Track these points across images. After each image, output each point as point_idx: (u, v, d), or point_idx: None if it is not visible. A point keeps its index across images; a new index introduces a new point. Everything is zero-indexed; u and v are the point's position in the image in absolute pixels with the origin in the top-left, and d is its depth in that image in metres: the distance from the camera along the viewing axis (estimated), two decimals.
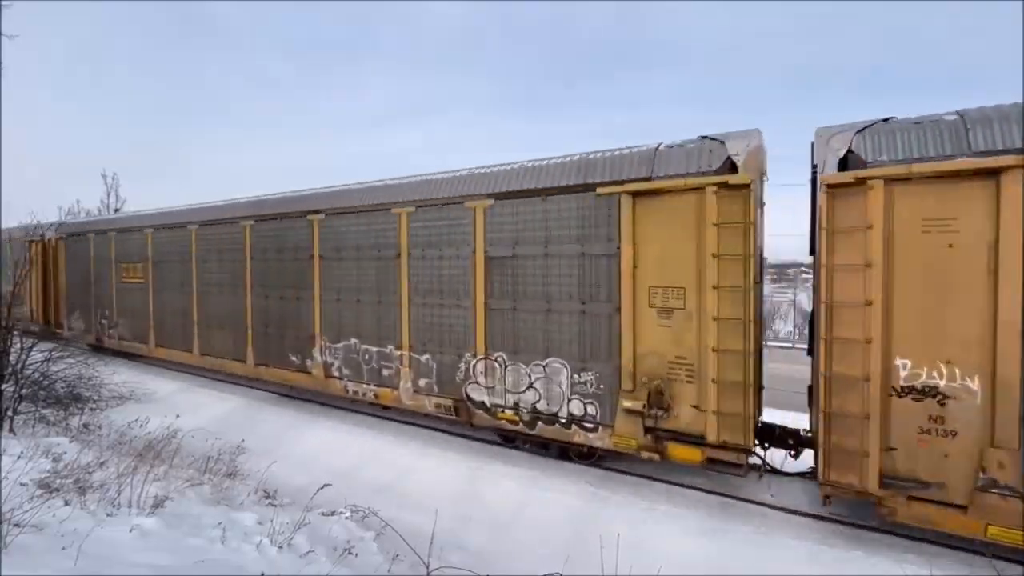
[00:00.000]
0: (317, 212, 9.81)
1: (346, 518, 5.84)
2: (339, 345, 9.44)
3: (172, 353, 13.06)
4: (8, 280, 9.98)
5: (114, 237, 14.79)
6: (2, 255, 15.36)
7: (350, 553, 4.97)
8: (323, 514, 5.86)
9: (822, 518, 6.01)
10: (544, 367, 7.20)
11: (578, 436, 6.99)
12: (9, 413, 8.28)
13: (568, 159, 7.15)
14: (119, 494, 5.26)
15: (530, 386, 7.32)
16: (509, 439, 8.24)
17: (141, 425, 8.32)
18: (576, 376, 6.96)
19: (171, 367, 14.12)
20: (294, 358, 10.22)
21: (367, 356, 9.07)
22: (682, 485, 6.85)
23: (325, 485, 5.97)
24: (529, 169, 7.42)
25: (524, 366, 7.38)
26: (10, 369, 8.60)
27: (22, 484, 5.12)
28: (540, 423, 7.27)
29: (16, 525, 4.06)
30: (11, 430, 7.97)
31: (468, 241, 7.84)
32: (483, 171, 7.95)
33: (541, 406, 7.25)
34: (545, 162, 7.36)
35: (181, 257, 12.66)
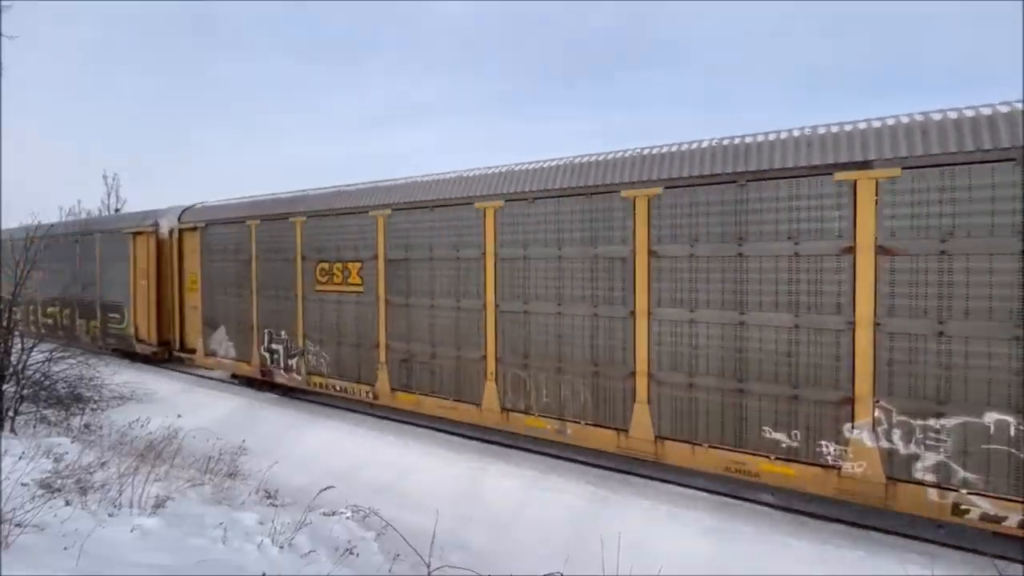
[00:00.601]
0: (848, 167, 5.21)
1: (347, 518, 5.86)
2: (951, 422, 4.84)
3: (431, 404, 8.38)
4: (9, 280, 9.93)
5: (303, 224, 9.99)
6: (1, 255, 15.27)
7: (351, 553, 4.99)
8: (324, 514, 5.87)
9: (824, 518, 6.01)
10: None
11: None
12: (10, 413, 8.30)
13: None
14: (120, 494, 5.27)
15: None
16: None
17: (142, 425, 8.34)
18: None
19: (428, 425, 9.08)
20: (778, 436, 5.70)
21: None
22: (683, 485, 6.85)
23: (328, 487, 5.98)
24: None
25: None
26: (11, 369, 8.62)
27: (23, 484, 5.13)
28: None
29: (17, 525, 4.06)
30: (12, 430, 7.99)
31: None
32: None
33: None
34: None
35: (454, 252, 8.02)
